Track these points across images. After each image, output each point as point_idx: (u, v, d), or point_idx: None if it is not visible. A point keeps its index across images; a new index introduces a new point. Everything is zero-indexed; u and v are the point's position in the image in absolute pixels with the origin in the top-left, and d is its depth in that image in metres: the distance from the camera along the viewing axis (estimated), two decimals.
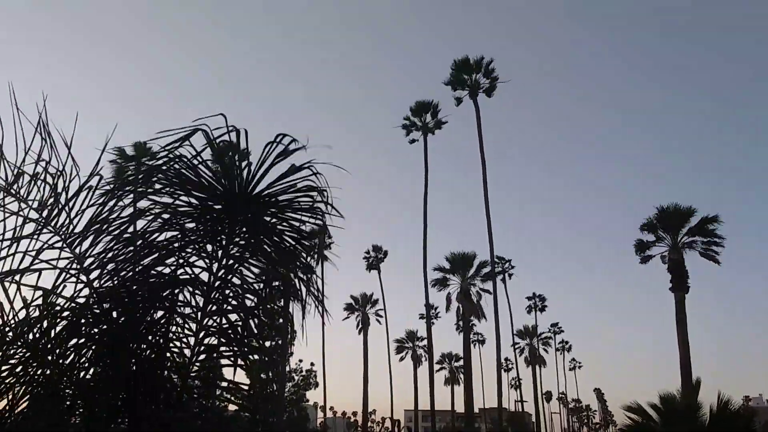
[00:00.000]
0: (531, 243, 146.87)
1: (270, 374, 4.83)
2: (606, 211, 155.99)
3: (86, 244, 4.41)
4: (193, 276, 4.38)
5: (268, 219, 4.48)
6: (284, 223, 4.48)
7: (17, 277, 4.25)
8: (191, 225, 4.45)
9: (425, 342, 61.17)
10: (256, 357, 4.57)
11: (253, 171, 4.32)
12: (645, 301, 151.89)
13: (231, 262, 4.40)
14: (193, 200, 4.38)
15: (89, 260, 4.39)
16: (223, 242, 4.40)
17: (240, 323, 4.42)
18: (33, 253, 4.32)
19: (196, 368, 4.39)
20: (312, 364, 53.88)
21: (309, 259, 4.54)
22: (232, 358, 4.40)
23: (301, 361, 52.00)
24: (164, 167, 4.27)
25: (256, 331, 4.47)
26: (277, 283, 4.57)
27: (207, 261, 4.39)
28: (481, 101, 45.13)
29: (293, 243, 4.46)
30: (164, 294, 4.34)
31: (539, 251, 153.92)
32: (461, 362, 62.91)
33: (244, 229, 4.45)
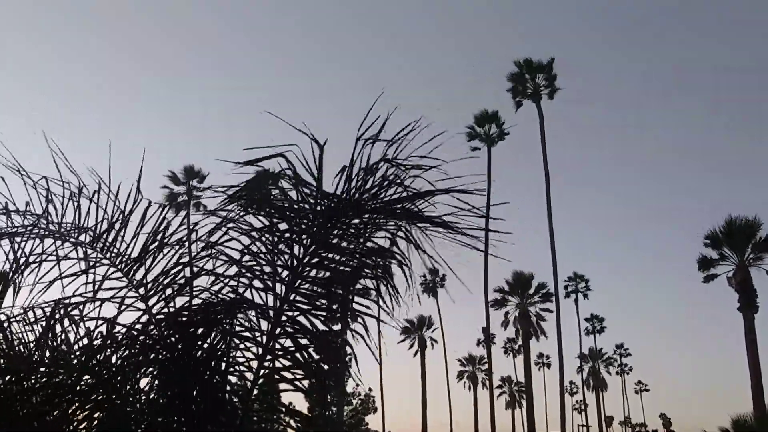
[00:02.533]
0: (592, 260, 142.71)
1: (330, 398, 4.82)
2: (668, 225, 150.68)
3: (142, 271, 4.53)
4: (252, 299, 4.43)
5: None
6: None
7: (79, 308, 4.45)
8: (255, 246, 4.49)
9: (485, 365, 60.31)
10: (316, 380, 4.58)
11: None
12: (713, 320, 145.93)
13: (298, 281, 4.43)
14: (266, 220, 4.42)
15: (147, 286, 4.49)
16: (294, 263, 4.40)
17: (309, 345, 4.43)
18: (91, 284, 4.52)
19: (256, 391, 4.44)
20: (370, 389, 53.74)
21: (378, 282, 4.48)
22: (296, 382, 4.41)
23: (358, 384, 52.03)
24: (245, 192, 4.36)
25: (319, 354, 4.48)
26: (335, 306, 4.58)
27: (270, 283, 4.40)
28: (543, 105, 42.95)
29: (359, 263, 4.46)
30: (223, 318, 4.41)
31: (600, 268, 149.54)
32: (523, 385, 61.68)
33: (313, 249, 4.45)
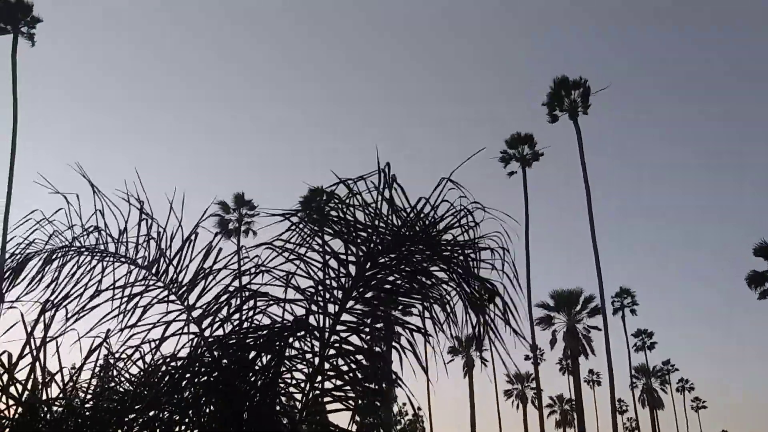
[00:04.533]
0: (639, 271, 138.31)
1: (377, 419, 4.84)
2: (719, 230, 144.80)
3: (195, 294, 4.65)
4: (303, 318, 4.49)
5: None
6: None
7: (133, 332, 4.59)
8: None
9: (535, 382, 59.34)
10: (366, 401, 4.60)
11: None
12: None
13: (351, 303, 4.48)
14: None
15: (199, 311, 4.59)
16: (348, 283, 4.46)
17: (360, 364, 4.47)
18: (145, 308, 4.65)
19: (306, 413, 4.47)
20: (418, 408, 53.31)
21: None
22: (347, 402, 4.44)
23: (404, 404, 51.76)
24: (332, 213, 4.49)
25: (369, 373, 4.51)
26: (380, 325, 4.61)
27: (322, 304, 4.45)
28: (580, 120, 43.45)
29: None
30: (275, 340, 4.48)
31: (649, 282, 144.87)
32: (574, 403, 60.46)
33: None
